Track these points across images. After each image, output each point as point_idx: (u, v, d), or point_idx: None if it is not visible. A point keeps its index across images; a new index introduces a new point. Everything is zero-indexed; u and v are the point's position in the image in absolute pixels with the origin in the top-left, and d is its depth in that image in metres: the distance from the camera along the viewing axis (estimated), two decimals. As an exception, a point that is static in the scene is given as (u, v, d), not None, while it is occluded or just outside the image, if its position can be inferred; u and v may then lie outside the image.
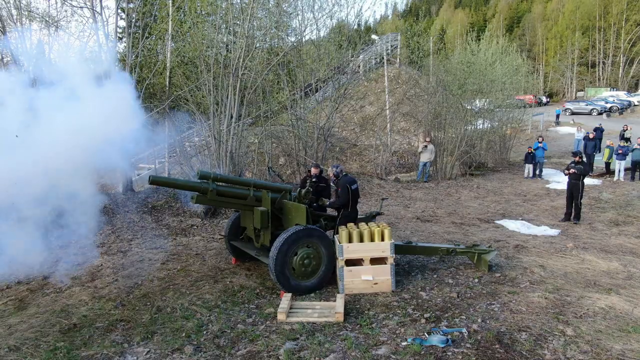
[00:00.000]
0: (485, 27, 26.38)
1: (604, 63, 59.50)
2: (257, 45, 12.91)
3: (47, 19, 12.82)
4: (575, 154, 11.36)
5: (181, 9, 12.98)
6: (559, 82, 63.33)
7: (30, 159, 5.16)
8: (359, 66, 23.33)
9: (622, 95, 46.91)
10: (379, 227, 6.55)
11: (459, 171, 18.52)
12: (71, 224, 6.31)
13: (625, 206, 12.37)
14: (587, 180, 12.21)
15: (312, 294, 6.37)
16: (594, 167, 18.05)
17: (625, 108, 41.22)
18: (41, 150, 5.23)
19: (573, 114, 38.44)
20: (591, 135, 19.84)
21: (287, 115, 15.18)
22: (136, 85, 10.81)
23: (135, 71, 11.45)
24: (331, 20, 17.75)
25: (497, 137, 21.57)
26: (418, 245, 7.40)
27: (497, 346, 4.65)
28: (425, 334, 4.95)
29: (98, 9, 10.89)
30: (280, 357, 4.57)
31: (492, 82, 19.87)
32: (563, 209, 11.43)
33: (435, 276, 6.97)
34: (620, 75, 57.48)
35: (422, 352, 4.56)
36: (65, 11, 12.77)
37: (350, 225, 6.78)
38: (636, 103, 43.28)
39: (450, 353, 4.53)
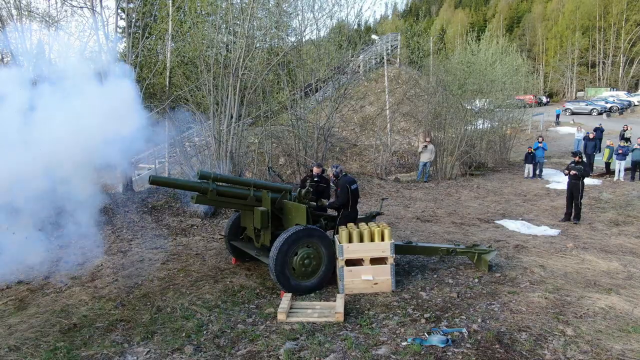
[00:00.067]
0: (485, 27, 26.38)
1: (604, 63, 59.50)
2: (257, 45, 12.92)
3: (47, 19, 12.82)
4: (575, 154, 11.36)
5: (181, 9, 12.98)
6: (559, 82, 63.33)
7: (30, 158, 5.17)
8: (359, 66, 23.34)
9: (622, 95, 46.91)
10: (379, 227, 6.55)
11: (459, 171, 18.52)
12: (71, 224, 6.33)
13: (625, 206, 12.37)
14: (587, 180, 12.21)
15: (312, 294, 6.37)
16: (594, 167, 18.04)
17: (625, 108, 41.22)
18: (41, 149, 5.23)
19: (573, 114, 38.44)
20: (591, 135, 19.83)
21: (287, 115, 15.19)
22: (136, 85, 10.81)
23: (135, 71, 11.44)
24: (331, 20, 17.75)
25: (497, 137, 21.57)
26: (418, 245, 7.40)
27: (497, 346, 4.65)
28: (425, 334, 4.95)
29: (98, 9, 10.90)
30: (280, 357, 4.57)
31: (492, 82, 19.87)
32: (563, 209, 11.43)
33: (435, 276, 6.97)
34: (620, 75, 57.48)
35: (422, 352, 4.56)
36: (65, 11, 12.78)
37: (351, 225, 6.79)
38: (636, 103, 43.28)
39: (450, 353, 4.53)
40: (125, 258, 7.88)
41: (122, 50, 13.30)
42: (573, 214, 10.96)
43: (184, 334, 5.13)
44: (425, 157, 17.05)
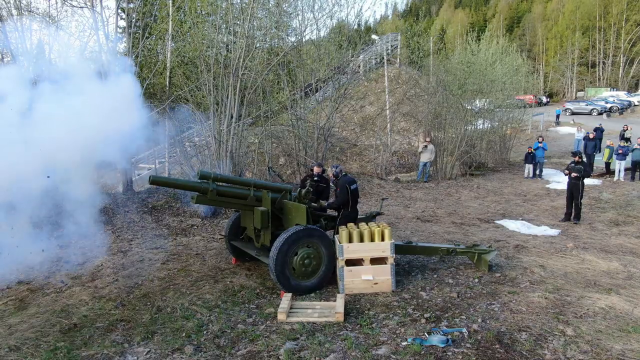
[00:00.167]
0: (486, 27, 26.38)
1: (604, 63, 59.51)
2: (257, 45, 12.92)
3: (48, 19, 12.82)
4: (575, 154, 11.36)
5: (181, 9, 12.98)
6: (559, 82, 63.33)
7: (30, 157, 5.17)
8: (359, 66, 23.35)
9: (622, 95, 46.92)
10: (379, 227, 6.55)
11: (459, 171, 18.52)
12: (71, 224, 6.33)
13: (625, 206, 12.37)
14: (587, 180, 12.21)
15: (312, 294, 6.37)
16: (594, 167, 18.04)
17: (625, 108, 41.22)
18: (42, 149, 5.23)
19: (573, 114, 38.44)
20: (591, 135, 19.83)
21: (287, 115, 15.19)
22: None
23: (135, 71, 11.44)
24: (331, 20, 17.76)
25: (497, 137, 21.57)
26: (418, 245, 7.40)
27: (497, 346, 4.65)
28: (426, 334, 4.95)
29: (98, 9, 10.90)
30: (280, 357, 4.57)
31: (492, 82, 19.87)
32: (563, 209, 11.43)
33: (435, 276, 6.97)
34: (620, 75, 57.49)
35: (422, 352, 4.56)
36: (66, 11, 12.78)
37: (351, 225, 6.79)
38: (636, 103, 43.29)
39: (450, 353, 4.53)
40: (125, 258, 7.88)
41: (122, 50, 13.30)
42: (573, 214, 10.96)
43: (184, 334, 5.13)
44: (425, 157, 17.05)
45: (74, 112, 5.43)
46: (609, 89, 52.79)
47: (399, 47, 29.87)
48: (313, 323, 5.36)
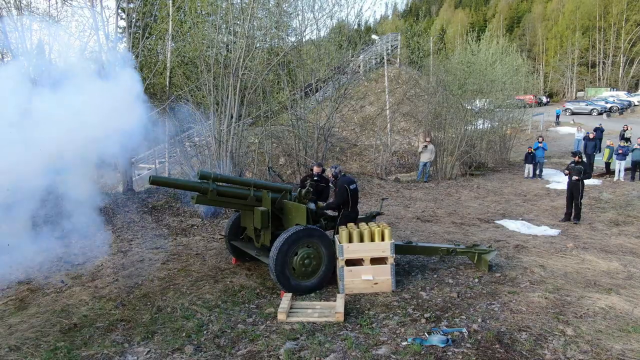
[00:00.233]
0: (486, 27, 26.41)
1: (604, 63, 59.52)
2: (257, 45, 12.92)
3: (48, 19, 12.81)
4: (575, 154, 11.36)
5: (181, 9, 12.98)
6: (559, 82, 63.34)
7: (30, 156, 5.17)
8: (359, 66, 23.35)
9: (622, 95, 46.93)
10: (379, 227, 6.55)
11: (459, 171, 18.52)
12: (71, 224, 6.33)
13: (625, 206, 12.38)
14: (587, 180, 12.21)
15: (312, 294, 6.37)
16: (594, 167, 18.04)
17: (625, 108, 41.23)
18: (41, 148, 5.23)
19: (573, 114, 38.44)
20: (591, 135, 19.84)
21: (287, 115, 15.19)
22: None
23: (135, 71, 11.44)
24: (331, 20, 17.78)
25: (497, 137, 21.57)
26: (418, 245, 7.40)
27: (497, 346, 4.65)
28: (426, 333, 4.95)
29: (98, 9, 10.90)
30: (280, 357, 4.57)
31: (492, 82, 19.87)
32: (563, 209, 11.44)
33: (435, 276, 6.97)
34: (620, 75, 57.50)
35: (422, 352, 4.56)
36: (66, 11, 12.78)
37: (351, 225, 6.78)
38: (636, 103, 43.30)
39: (450, 353, 4.53)
40: (125, 258, 7.88)
41: (123, 50, 13.29)
42: (573, 214, 10.97)
43: (184, 334, 5.13)
44: (425, 157, 17.05)
45: (74, 112, 5.43)
46: (609, 89, 52.81)
47: (399, 47, 29.89)
48: (313, 323, 5.36)
